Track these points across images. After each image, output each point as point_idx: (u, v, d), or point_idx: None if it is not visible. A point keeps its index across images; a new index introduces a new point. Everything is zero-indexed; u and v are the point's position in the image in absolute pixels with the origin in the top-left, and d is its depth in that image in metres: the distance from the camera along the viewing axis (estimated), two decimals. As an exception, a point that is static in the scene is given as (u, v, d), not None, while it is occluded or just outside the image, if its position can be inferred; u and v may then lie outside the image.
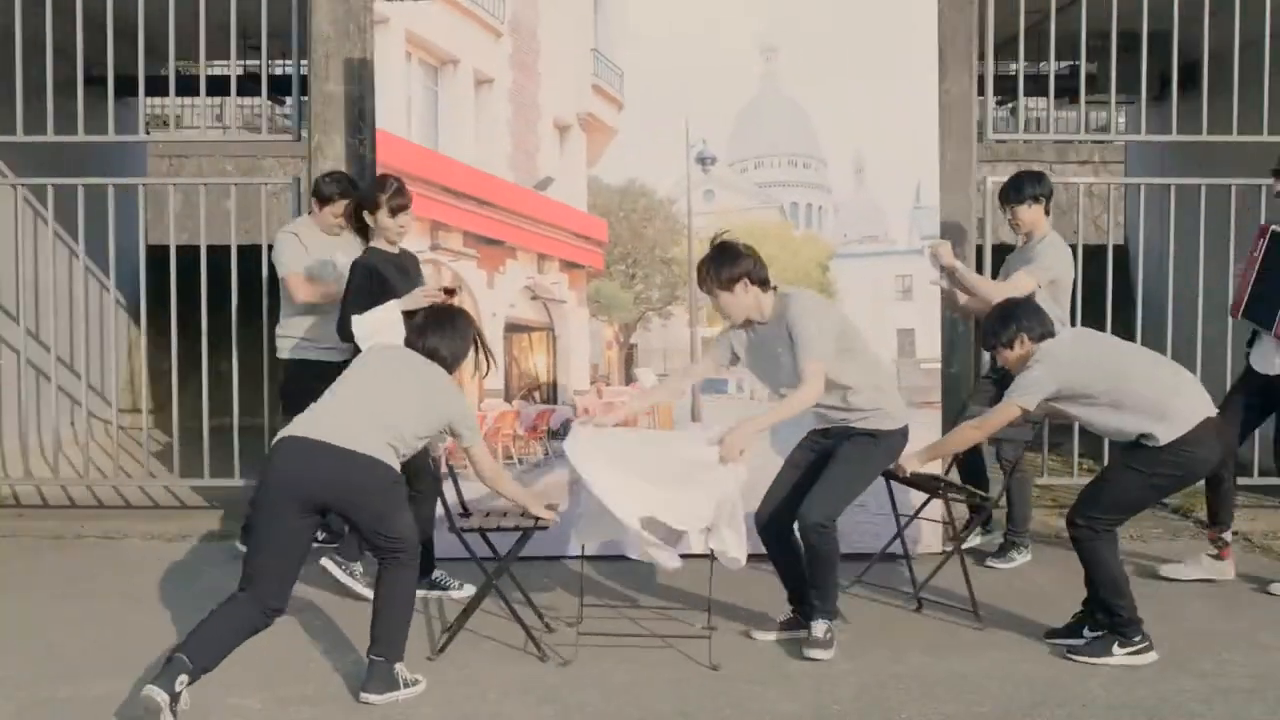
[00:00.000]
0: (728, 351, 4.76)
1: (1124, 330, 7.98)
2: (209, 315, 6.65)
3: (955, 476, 5.75)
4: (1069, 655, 4.56)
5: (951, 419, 5.84)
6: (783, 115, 6.22)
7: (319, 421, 4.06)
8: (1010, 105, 10.09)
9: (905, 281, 6.17)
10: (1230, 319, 5.98)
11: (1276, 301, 5.37)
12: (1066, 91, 9.28)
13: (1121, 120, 12.88)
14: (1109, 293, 6.89)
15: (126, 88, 7.30)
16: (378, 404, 4.13)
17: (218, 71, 10.48)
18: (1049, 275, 5.60)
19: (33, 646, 4.63)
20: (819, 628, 4.56)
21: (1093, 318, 6.89)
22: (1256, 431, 6.94)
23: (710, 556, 4.59)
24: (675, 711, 4.04)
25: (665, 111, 6.03)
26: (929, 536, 5.84)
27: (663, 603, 5.17)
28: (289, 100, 7.92)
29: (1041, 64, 8.50)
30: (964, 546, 5.28)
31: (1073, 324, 6.74)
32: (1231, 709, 4.06)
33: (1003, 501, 5.91)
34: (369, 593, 4.64)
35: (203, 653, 3.82)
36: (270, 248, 5.91)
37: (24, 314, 7.04)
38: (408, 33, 6.01)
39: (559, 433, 5.88)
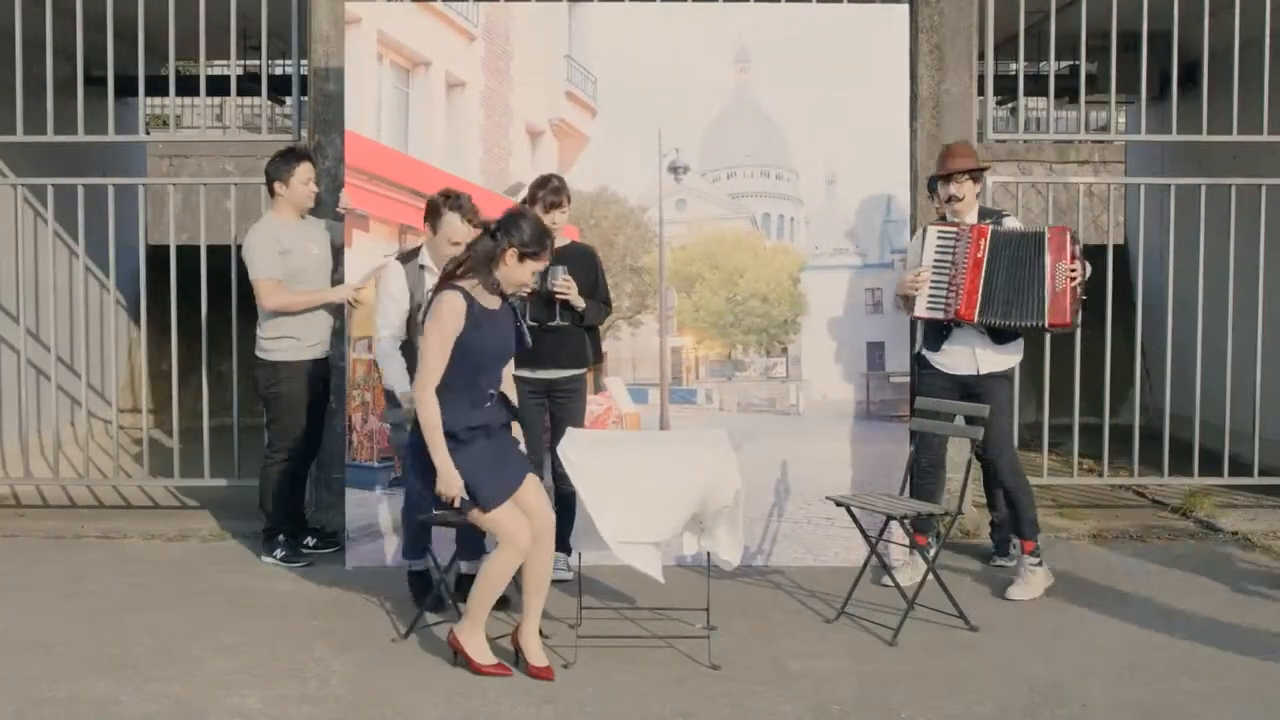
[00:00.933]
0: None
1: (1124, 330, 8.03)
2: (209, 315, 6.65)
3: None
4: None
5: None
6: (755, 126, 6.22)
7: None
8: (1010, 105, 10.10)
9: (875, 295, 6.18)
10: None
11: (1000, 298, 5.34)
12: (1066, 91, 9.29)
13: (1121, 120, 12.88)
14: (1109, 293, 6.88)
15: (126, 88, 7.30)
16: None
17: (218, 71, 10.51)
18: None
19: (33, 646, 4.63)
20: None
21: (1093, 317, 6.89)
22: (1258, 431, 6.97)
23: (707, 558, 4.66)
24: (675, 711, 4.04)
25: (638, 119, 6.04)
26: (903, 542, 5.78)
27: (662, 603, 5.17)
28: (289, 100, 7.92)
29: (1041, 64, 8.52)
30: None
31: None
32: (1231, 709, 4.06)
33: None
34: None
35: None
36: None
37: (24, 314, 7.04)
38: (379, 33, 5.98)
39: None
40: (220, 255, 6.68)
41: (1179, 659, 4.54)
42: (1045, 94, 7.20)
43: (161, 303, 7.06)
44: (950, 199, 5.46)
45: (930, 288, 5.40)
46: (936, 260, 5.41)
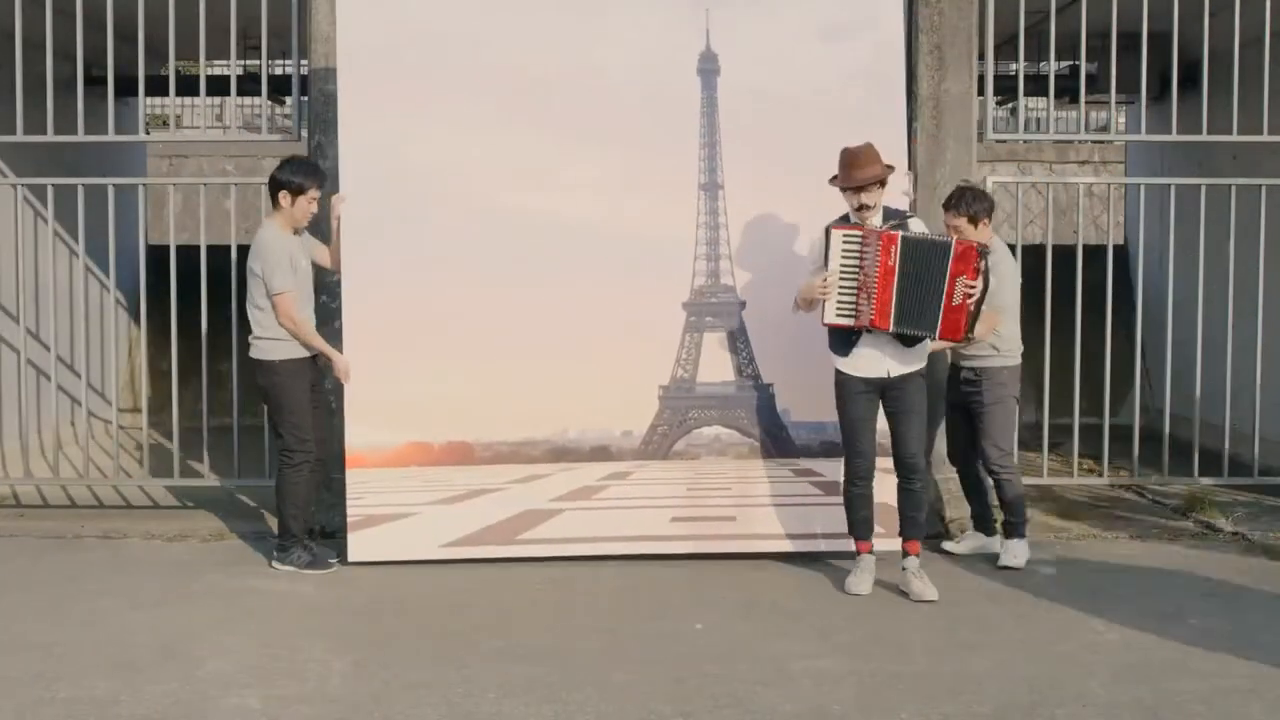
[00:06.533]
0: None
1: (1124, 330, 8.04)
2: (209, 315, 6.65)
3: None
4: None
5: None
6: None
7: None
8: (1010, 105, 10.10)
9: None
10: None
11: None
12: (1066, 91, 9.29)
13: (1121, 120, 12.89)
14: (1109, 293, 6.88)
15: (126, 88, 7.30)
16: None
17: (218, 71, 10.51)
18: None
19: (33, 646, 4.63)
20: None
21: (1093, 317, 6.90)
22: (1258, 431, 6.98)
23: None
24: (675, 711, 4.04)
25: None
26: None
27: (663, 604, 5.17)
28: (289, 100, 7.92)
29: (1041, 64, 8.52)
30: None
31: (1072, 325, 6.77)
32: (1231, 709, 4.06)
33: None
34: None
35: None
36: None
37: (24, 314, 7.03)
38: None
39: None
40: (220, 255, 6.68)
41: (1179, 659, 4.53)
42: (1045, 94, 7.20)
43: (161, 303, 7.06)
44: (861, 208, 5.23)
45: (839, 294, 5.22)
46: (844, 266, 5.21)
